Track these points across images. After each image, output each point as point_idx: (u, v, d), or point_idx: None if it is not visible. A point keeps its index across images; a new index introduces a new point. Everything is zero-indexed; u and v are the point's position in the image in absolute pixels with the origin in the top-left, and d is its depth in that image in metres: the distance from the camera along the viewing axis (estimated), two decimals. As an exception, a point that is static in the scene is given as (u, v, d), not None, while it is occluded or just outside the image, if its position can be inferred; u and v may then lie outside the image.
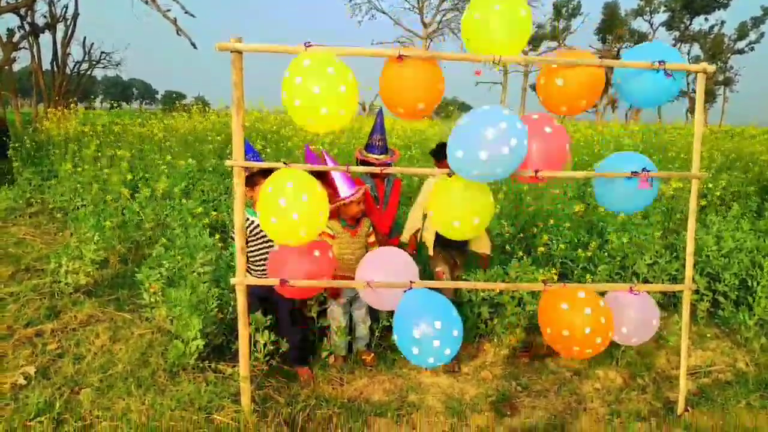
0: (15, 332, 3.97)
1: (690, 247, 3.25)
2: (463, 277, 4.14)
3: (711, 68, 3.04)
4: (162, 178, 6.64)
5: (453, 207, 2.91)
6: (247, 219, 3.70)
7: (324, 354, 3.95)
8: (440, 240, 3.96)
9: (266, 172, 3.41)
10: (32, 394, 3.18)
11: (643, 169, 2.89)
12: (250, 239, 3.69)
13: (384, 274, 2.97)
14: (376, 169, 3.07)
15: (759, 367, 3.97)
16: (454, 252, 4.21)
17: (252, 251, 3.71)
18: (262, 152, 8.36)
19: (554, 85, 2.90)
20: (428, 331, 2.70)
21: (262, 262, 3.71)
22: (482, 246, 4.22)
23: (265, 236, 3.67)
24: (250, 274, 3.74)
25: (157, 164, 7.63)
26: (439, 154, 4.03)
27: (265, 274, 3.65)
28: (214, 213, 6.08)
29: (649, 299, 3.10)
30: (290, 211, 2.76)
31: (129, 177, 7.10)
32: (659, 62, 2.85)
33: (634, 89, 2.99)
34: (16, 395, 3.23)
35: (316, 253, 3.10)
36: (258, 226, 3.67)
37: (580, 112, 3.03)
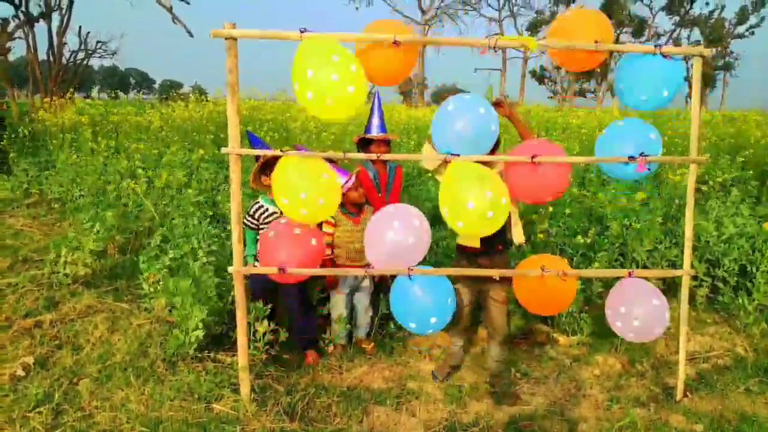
0: (13, 323, 3.96)
1: (689, 232, 3.23)
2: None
3: (707, 51, 3.00)
4: (163, 169, 6.61)
5: (461, 192, 2.71)
6: (261, 206, 3.69)
7: (325, 343, 3.95)
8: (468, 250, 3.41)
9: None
10: (31, 385, 3.18)
11: (641, 154, 2.87)
12: (262, 226, 3.68)
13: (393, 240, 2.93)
14: (374, 156, 3.04)
15: (758, 353, 3.97)
16: (489, 258, 3.39)
17: None
18: (269, 141, 8.31)
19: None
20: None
21: None
22: (517, 235, 3.42)
23: None
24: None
25: (153, 154, 7.59)
26: None
27: None
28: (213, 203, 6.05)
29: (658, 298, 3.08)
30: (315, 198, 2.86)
31: (126, 166, 7.07)
32: (656, 46, 2.82)
33: (636, 85, 2.95)
34: (15, 386, 3.23)
35: (313, 241, 3.08)
36: (272, 213, 3.66)
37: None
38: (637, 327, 3.00)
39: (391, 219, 2.89)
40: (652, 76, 2.89)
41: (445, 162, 2.85)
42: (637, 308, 2.99)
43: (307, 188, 2.82)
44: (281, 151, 2.91)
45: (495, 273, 3.32)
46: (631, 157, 2.88)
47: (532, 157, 2.81)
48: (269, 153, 3.07)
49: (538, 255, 3.34)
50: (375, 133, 3.95)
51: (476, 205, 2.66)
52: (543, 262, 3.07)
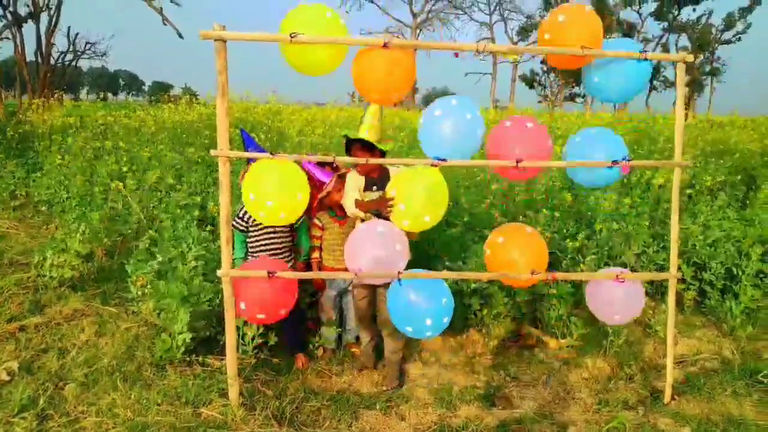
0: (-2, 327, 3.91)
1: (674, 235, 3.26)
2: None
3: (690, 57, 3.04)
4: (151, 171, 6.55)
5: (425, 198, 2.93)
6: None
7: (314, 347, 3.93)
8: None
9: None
10: (15, 390, 3.13)
11: (624, 158, 2.90)
12: (251, 229, 3.66)
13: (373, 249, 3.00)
14: (362, 160, 3.03)
15: (744, 356, 4.00)
16: None
17: (252, 242, 3.68)
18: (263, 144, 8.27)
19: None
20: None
21: (261, 253, 3.67)
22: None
23: (266, 226, 3.64)
24: None
25: (142, 156, 7.53)
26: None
27: None
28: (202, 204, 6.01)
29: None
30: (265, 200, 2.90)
31: (115, 168, 7.00)
32: (642, 51, 2.85)
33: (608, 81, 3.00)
34: (0, 391, 3.18)
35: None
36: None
37: None
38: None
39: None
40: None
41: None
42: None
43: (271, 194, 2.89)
44: (271, 154, 2.89)
45: (483, 276, 3.33)
46: (615, 161, 2.91)
47: (517, 161, 2.82)
48: (259, 155, 3.05)
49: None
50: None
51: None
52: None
